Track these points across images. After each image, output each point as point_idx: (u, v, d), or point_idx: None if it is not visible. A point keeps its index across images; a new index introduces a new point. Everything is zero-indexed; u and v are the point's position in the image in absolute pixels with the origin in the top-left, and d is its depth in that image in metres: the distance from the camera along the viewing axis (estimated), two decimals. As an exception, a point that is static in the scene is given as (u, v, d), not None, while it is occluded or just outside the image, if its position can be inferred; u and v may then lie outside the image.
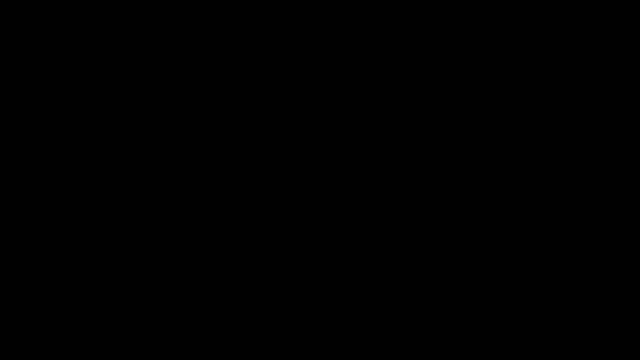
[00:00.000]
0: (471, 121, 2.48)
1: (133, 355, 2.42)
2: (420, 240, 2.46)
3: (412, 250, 2.46)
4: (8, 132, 2.47)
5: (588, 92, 2.47)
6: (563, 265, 2.44)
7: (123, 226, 2.46)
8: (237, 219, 2.47)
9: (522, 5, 2.48)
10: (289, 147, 2.48)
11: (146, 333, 2.43)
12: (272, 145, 2.49)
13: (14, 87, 2.48)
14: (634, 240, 2.43)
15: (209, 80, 2.50)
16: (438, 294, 2.44)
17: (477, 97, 2.48)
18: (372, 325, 2.44)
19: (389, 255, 2.46)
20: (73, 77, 2.49)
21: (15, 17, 2.49)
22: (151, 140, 2.48)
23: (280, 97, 2.50)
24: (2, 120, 2.47)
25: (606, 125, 2.47)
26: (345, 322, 2.44)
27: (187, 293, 2.45)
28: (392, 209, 2.47)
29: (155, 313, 2.44)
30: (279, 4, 2.50)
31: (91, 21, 2.49)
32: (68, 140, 2.48)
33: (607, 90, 2.47)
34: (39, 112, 2.48)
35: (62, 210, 2.46)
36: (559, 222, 2.45)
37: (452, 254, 2.45)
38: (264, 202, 2.47)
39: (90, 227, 2.46)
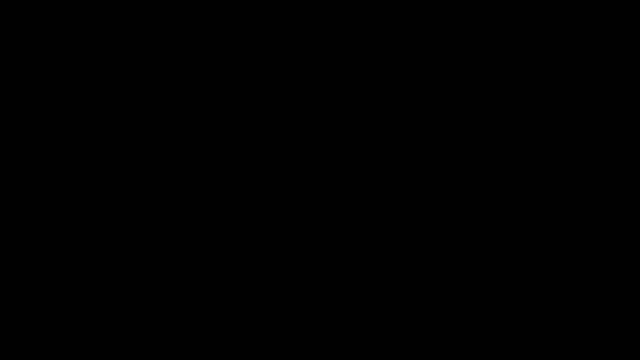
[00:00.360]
0: (471, 121, 2.48)
1: (133, 356, 2.42)
2: (420, 240, 2.46)
3: (412, 250, 2.46)
4: (8, 132, 2.47)
5: (588, 92, 2.48)
6: (563, 265, 2.44)
7: (123, 226, 2.46)
8: (237, 219, 2.47)
9: (522, 5, 2.48)
10: (289, 147, 2.48)
11: (146, 333, 2.43)
12: (272, 145, 2.49)
13: (14, 87, 2.48)
14: (634, 240, 2.43)
15: (209, 80, 2.50)
16: (438, 294, 2.45)
17: (477, 97, 2.48)
18: (372, 325, 2.44)
19: (389, 255, 2.46)
20: (73, 77, 2.49)
21: (15, 17, 2.49)
22: (151, 141, 2.48)
23: (281, 97, 2.50)
24: (2, 121, 2.48)
25: (606, 125, 2.47)
26: (345, 322, 2.44)
27: (187, 293, 2.45)
28: (392, 209, 2.47)
29: (155, 313, 2.44)
30: (279, 4, 2.50)
31: (91, 21, 2.50)
32: (68, 140, 2.48)
33: (607, 90, 2.47)
34: (39, 112, 2.48)
35: (62, 211, 2.46)
36: (559, 222, 2.45)
37: (452, 254, 2.46)
38: (264, 202, 2.47)
39: (90, 227, 2.46)
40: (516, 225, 2.45)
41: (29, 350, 2.42)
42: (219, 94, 2.50)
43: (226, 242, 2.46)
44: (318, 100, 2.50)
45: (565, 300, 2.43)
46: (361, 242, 2.46)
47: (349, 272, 2.46)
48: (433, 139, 2.48)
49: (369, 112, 2.49)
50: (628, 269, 2.43)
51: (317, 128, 2.49)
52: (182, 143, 2.48)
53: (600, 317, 2.42)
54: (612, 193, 2.45)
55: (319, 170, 2.48)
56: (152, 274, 2.45)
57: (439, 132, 2.48)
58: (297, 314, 2.45)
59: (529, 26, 2.48)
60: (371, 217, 2.47)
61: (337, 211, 2.47)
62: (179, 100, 2.49)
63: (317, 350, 2.43)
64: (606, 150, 2.46)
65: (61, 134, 2.48)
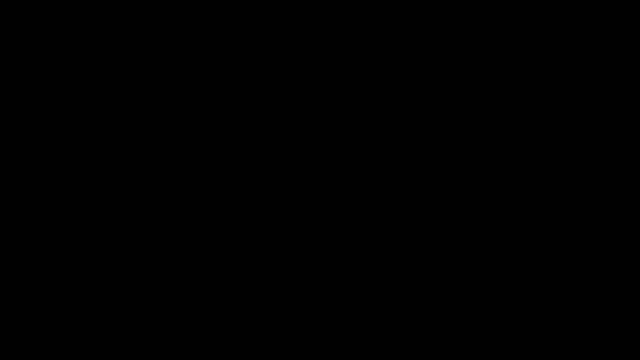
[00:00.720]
0: (471, 121, 2.48)
1: (133, 356, 2.43)
2: (420, 240, 2.46)
3: (412, 250, 2.46)
4: (8, 132, 2.47)
5: (588, 92, 2.48)
6: (563, 265, 2.44)
7: (123, 226, 2.46)
8: (237, 219, 2.47)
9: (522, 5, 2.48)
10: (289, 147, 2.48)
11: (146, 333, 2.43)
12: (272, 145, 2.49)
13: (14, 87, 2.49)
14: (634, 240, 2.43)
15: (209, 80, 2.50)
16: (438, 294, 2.45)
17: (477, 97, 2.48)
18: (372, 325, 2.44)
19: (389, 255, 2.46)
20: (73, 77, 2.49)
21: (15, 17, 2.49)
22: (151, 141, 2.48)
23: (281, 97, 2.50)
24: (2, 121, 2.48)
25: (606, 125, 2.47)
26: (345, 322, 2.44)
27: (187, 293, 2.45)
28: (392, 209, 2.47)
29: (155, 313, 2.44)
30: (279, 4, 2.50)
31: (91, 21, 2.50)
32: (68, 140, 2.48)
33: (607, 90, 2.47)
34: (39, 112, 2.48)
35: (62, 211, 2.46)
36: (559, 222, 2.45)
37: (452, 254, 2.46)
38: (264, 202, 2.47)
39: (90, 227, 2.46)
40: (516, 226, 2.45)
41: (29, 350, 2.42)
42: (219, 94, 2.50)
43: (226, 242, 2.47)
44: (318, 100, 2.50)
45: (565, 301, 2.43)
46: (361, 242, 2.46)
47: (349, 272, 2.46)
48: (433, 139, 2.48)
49: (369, 112, 2.49)
50: (628, 269, 2.43)
51: (317, 128, 2.49)
52: (182, 143, 2.48)
53: (600, 317, 2.42)
54: (612, 193, 2.45)
55: (319, 170, 2.48)
56: (152, 274, 2.45)
57: (439, 132, 2.48)
58: (297, 314, 2.45)
59: (529, 26, 2.48)
60: (371, 217, 2.47)
61: (337, 211, 2.47)
62: (179, 101, 2.49)
63: (317, 351, 2.43)
64: (606, 150, 2.46)
65: (61, 134, 2.48)
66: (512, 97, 2.48)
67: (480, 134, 2.48)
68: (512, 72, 2.48)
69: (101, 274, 2.45)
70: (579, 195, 2.46)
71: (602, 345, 2.41)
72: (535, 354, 2.41)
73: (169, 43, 2.50)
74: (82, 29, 2.49)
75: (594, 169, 2.46)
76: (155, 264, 2.45)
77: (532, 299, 2.43)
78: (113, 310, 2.44)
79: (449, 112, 2.48)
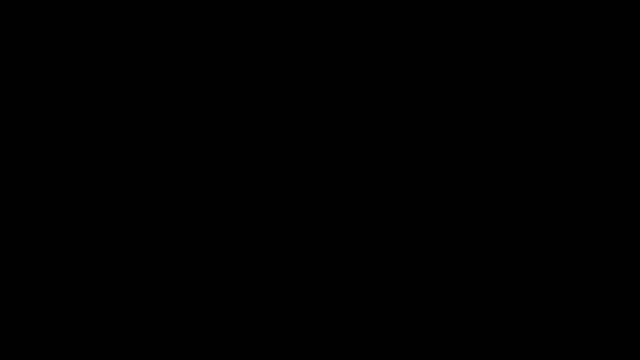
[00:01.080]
0: (471, 121, 2.48)
1: (133, 356, 2.43)
2: (420, 241, 2.46)
3: (412, 251, 2.46)
4: (8, 132, 2.47)
5: (588, 92, 2.48)
6: (563, 265, 2.44)
7: (123, 226, 2.46)
8: (237, 219, 2.47)
9: (522, 5, 2.48)
10: (289, 147, 2.49)
11: (146, 333, 2.43)
12: (272, 145, 2.49)
13: (14, 87, 2.49)
14: (634, 240, 2.43)
15: (209, 80, 2.50)
16: (438, 294, 2.45)
17: (477, 97, 2.49)
18: (372, 326, 2.44)
19: (389, 255, 2.46)
20: (73, 77, 2.49)
21: (15, 17, 2.49)
22: (151, 141, 2.48)
23: (281, 97, 2.50)
24: (2, 121, 2.48)
25: (606, 125, 2.47)
26: (345, 322, 2.44)
27: (187, 293, 2.45)
28: (392, 209, 2.47)
29: (155, 313, 2.44)
30: (279, 4, 2.50)
31: (91, 21, 2.50)
32: (68, 140, 2.48)
33: (607, 90, 2.47)
34: (39, 112, 2.48)
35: (62, 211, 2.46)
36: (559, 222, 2.45)
37: (452, 254, 2.46)
38: (264, 202, 2.48)
39: (90, 227, 2.46)
40: (516, 226, 2.46)
41: (29, 350, 2.42)
42: (219, 94, 2.50)
43: (226, 242, 2.47)
44: (318, 100, 2.50)
45: (565, 300, 2.43)
46: (361, 242, 2.47)
47: (349, 272, 2.46)
48: (433, 139, 2.48)
49: (369, 112, 2.49)
50: (628, 269, 2.43)
51: (317, 128, 2.49)
52: (182, 143, 2.49)
53: (600, 317, 2.42)
54: (612, 193, 2.45)
55: (319, 171, 2.48)
56: (152, 274, 2.45)
57: (439, 132, 2.48)
58: (297, 314, 2.45)
59: (529, 26, 2.48)
60: (371, 217, 2.47)
61: (337, 211, 2.47)
62: (179, 101, 2.49)
63: (317, 351, 2.44)
64: (606, 150, 2.46)
65: (61, 134, 2.48)
66: (512, 97, 2.48)
67: (480, 134, 2.48)
68: (512, 72, 2.48)
69: (101, 273, 2.45)
70: (579, 195, 2.46)
71: (602, 345, 2.41)
72: (535, 354, 2.41)
73: (169, 43, 2.50)
74: (82, 29, 2.50)
75: (594, 169, 2.46)
76: (156, 264, 2.45)
77: (532, 299, 2.43)
78: (113, 310, 2.44)
79: (448, 112, 2.49)
